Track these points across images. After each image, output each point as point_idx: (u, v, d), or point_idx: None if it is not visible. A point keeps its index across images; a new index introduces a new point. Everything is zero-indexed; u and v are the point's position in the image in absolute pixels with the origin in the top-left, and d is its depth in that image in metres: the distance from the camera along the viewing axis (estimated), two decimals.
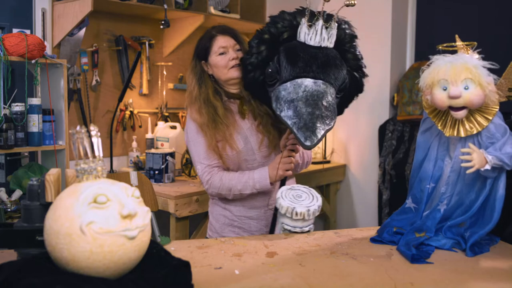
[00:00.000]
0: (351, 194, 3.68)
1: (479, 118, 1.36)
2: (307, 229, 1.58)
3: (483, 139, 1.37)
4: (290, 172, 1.77)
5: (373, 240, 1.48)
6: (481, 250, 1.38)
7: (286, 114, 1.55)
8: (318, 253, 1.35)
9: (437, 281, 1.17)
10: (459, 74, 1.28)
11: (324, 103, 1.56)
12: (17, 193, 2.41)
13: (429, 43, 3.41)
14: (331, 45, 1.65)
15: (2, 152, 2.37)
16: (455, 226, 1.43)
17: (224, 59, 1.83)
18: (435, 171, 1.47)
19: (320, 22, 1.61)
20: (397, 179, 3.27)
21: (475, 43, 1.36)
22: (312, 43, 1.62)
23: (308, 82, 1.57)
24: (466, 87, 1.29)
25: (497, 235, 1.47)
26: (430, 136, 1.50)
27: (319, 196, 1.64)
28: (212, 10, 3.28)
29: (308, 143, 1.50)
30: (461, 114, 1.34)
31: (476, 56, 1.36)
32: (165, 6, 2.97)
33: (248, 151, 1.85)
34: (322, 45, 1.63)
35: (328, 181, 3.56)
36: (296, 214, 1.54)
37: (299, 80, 1.58)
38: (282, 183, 1.82)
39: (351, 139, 3.64)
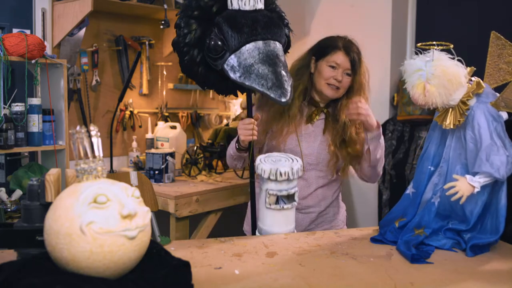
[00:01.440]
0: (351, 194, 3.68)
1: (458, 115, 1.38)
2: (293, 191, 1.52)
3: (467, 138, 1.37)
4: (249, 138, 1.77)
5: (374, 240, 1.47)
6: (481, 250, 1.38)
7: (251, 80, 1.57)
8: (318, 253, 1.35)
9: (437, 281, 1.17)
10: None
11: (281, 59, 1.62)
12: (17, 193, 2.41)
13: None
14: (263, 6, 1.67)
15: (2, 152, 2.37)
16: (454, 230, 1.43)
17: (330, 73, 1.86)
18: (436, 154, 1.48)
19: None
20: (397, 179, 3.27)
21: (451, 45, 1.38)
22: (247, 8, 1.63)
23: (259, 44, 1.60)
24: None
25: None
26: (437, 127, 1.52)
27: (298, 158, 1.59)
28: None
29: (283, 99, 1.54)
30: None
31: (418, 60, 1.38)
32: (165, 6, 2.97)
33: (296, 154, 1.87)
34: (257, 8, 1.65)
35: None
36: (281, 174, 1.48)
37: (249, 45, 1.59)
38: None
39: None
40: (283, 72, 1.59)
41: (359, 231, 1.59)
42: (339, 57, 1.86)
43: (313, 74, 1.91)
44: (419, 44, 1.41)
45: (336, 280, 1.16)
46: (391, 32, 3.38)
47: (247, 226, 2.01)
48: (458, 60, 1.38)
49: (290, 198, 1.55)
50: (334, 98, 1.90)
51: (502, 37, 1.38)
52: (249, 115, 1.80)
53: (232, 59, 1.61)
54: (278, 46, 1.65)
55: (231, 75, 1.61)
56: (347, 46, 1.88)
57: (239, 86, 1.82)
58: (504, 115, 1.36)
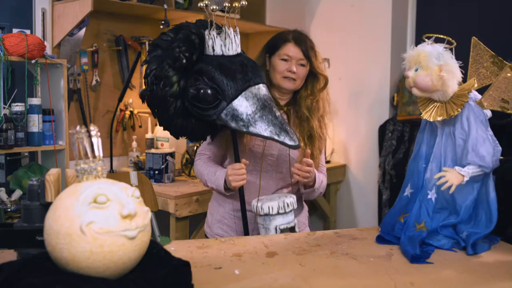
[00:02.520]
0: (351, 194, 3.68)
1: (449, 107, 1.43)
2: (296, 221, 1.62)
3: (456, 134, 1.43)
4: (241, 183, 1.72)
5: (380, 239, 1.47)
6: (482, 248, 1.39)
7: (256, 128, 1.55)
8: (318, 253, 1.35)
9: (437, 281, 1.17)
10: (413, 59, 1.45)
11: (273, 102, 1.62)
12: (17, 193, 2.41)
13: None
14: (240, 50, 1.67)
15: (2, 152, 2.37)
16: (449, 226, 1.44)
17: (284, 66, 1.84)
18: (428, 153, 1.52)
19: (232, 31, 1.62)
20: (397, 179, 3.27)
21: (454, 42, 1.45)
22: (230, 53, 1.62)
23: (254, 90, 1.59)
24: (416, 69, 1.43)
25: (499, 235, 1.48)
26: (426, 128, 1.57)
27: (287, 194, 1.70)
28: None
29: (294, 143, 1.56)
30: (413, 91, 1.46)
31: (437, 46, 1.44)
32: (165, 6, 2.97)
33: (256, 153, 1.86)
34: (238, 52, 1.64)
35: (328, 181, 3.53)
36: (288, 205, 1.57)
37: (246, 92, 1.58)
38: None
39: (351, 139, 3.64)
40: (281, 117, 1.59)
41: (359, 231, 1.59)
42: (290, 49, 1.84)
43: (269, 71, 1.90)
44: (425, 35, 1.47)
45: (336, 280, 1.16)
46: (391, 32, 3.38)
47: (208, 228, 1.99)
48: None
49: (293, 230, 1.62)
50: (292, 89, 1.87)
51: (480, 43, 1.47)
52: (237, 160, 1.76)
53: (231, 109, 1.57)
54: (266, 88, 1.64)
55: (232, 124, 1.58)
56: (297, 37, 1.87)
57: (213, 131, 1.77)
58: (488, 113, 1.43)
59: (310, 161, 1.78)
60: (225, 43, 1.61)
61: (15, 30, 2.61)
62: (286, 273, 1.19)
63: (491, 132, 1.42)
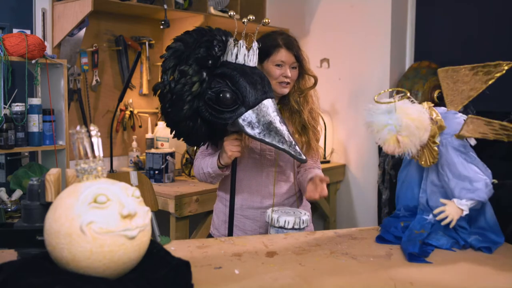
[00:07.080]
0: (351, 194, 3.68)
1: (431, 153, 1.43)
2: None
3: (441, 173, 1.44)
4: (237, 154, 1.74)
5: (381, 239, 1.47)
6: (489, 250, 1.40)
7: (271, 137, 1.59)
8: (318, 253, 1.35)
9: (437, 281, 1.18)
10: (372, 127, 1.43)
11: (282, 116, 1.66)
12: (17, 193, 2.41)
13: (428, 43, 3.41)
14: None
15: (2, 152, 2.37)
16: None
17: (279, 71, 1.85)
18: (416, 186, 1.58)
19: (255, 44, 1.65)
20: (396, 179, 3.27)
21: (408, 92, 1.42)
22: (251, 64, 1.66)
23: (270, 102, 1.62)
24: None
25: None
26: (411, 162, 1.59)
27: (302, 210, 1.73)
28: (212, 10, 3.29)
29: (304, 157, 1.61)
30: (394, 153, 1.44)
31: (385, 108, 1.40)
32: (165, 6, 2.97)
33: (254, 149, 1.88)
34: (256, 65, 1.68)
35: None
36: (303, 222, 1.63)
37: (264, 102, 1.61)
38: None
39: (350, 139, 3.64)
40: (288, 129, 1.64)
41: (359, 231, 1.59)
42: (283, 55, 1.87)
43: None
44: (375, 98, 1.43)
45: (336, 280, 1.16)
46: (391, 32, 3.38)
47: (214, 230, 2.00)
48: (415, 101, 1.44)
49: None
50: (286, 94, 1.90)
51: (448, 68, 1.45)
52: (234, 169, 1.79)
53: (250, 115, 1.61)
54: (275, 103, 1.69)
55: (248, 131, 1.61)
56: (287, 42, 1.89)
57: (213, 138, 1.79)
58: (472, 141, 1.43)
59: (326, 178, 1.80)
60: (248, 54, 1.65)
61: (15, 30, 2.61)
62: (286, 273, 1.19)
63: (476, 159, 1.41)
